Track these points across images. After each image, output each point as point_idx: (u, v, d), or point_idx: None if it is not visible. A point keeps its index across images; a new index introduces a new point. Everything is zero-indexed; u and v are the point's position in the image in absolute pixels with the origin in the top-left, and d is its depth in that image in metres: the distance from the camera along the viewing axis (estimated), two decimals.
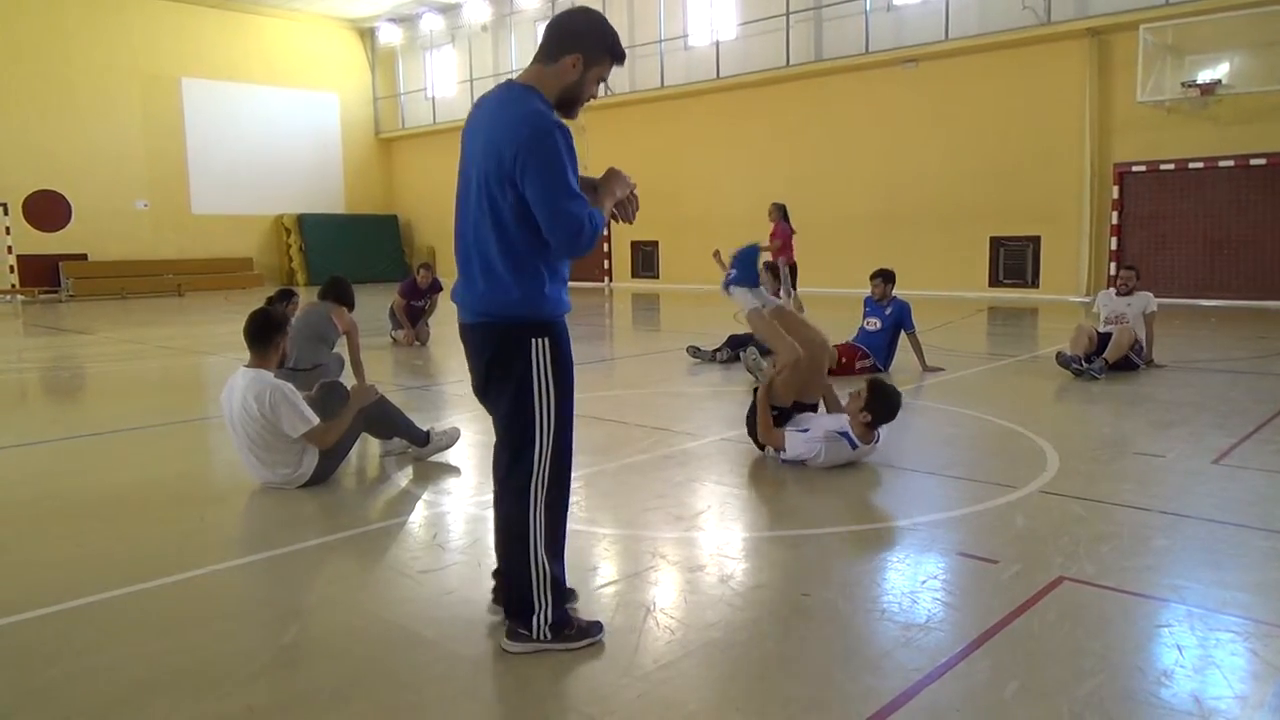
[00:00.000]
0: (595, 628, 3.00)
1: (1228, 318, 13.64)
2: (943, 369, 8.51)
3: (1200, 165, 15.48)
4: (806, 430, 5.17)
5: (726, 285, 5.90)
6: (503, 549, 2.97)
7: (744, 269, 5.87)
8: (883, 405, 5.07)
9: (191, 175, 26.15)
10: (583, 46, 2.80)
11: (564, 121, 2.75)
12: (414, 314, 11.61)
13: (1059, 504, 4.41)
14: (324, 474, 4.99)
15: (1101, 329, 8.38)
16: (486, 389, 2.91)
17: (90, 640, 3.10)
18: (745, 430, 5.54)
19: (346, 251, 26.71)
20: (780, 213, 13.33)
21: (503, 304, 2.79)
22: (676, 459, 5.51)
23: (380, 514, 4.64)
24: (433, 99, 28.78)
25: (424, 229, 29.34)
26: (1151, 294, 8.56)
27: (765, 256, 9.94)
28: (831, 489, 4.93)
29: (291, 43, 28.11)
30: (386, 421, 5.37)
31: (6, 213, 22.65)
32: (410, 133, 29.66)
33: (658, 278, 23.48)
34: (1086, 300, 8.64)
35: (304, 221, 27.51)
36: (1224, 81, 14.79)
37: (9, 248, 22.76)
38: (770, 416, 5.29)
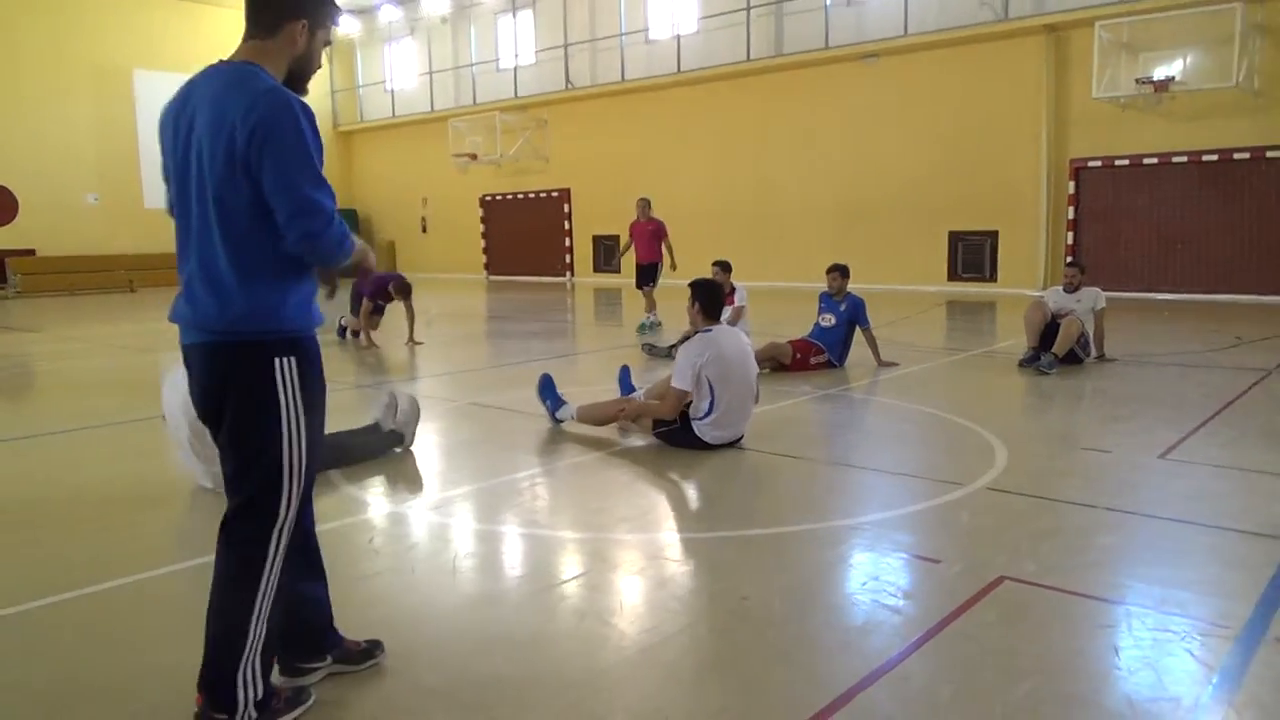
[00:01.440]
0: (303, 694, 2.59)
1: (1181, 311, 13.82)
2: (897, 364, 8.51)
3: (1154, 161, 15.67)
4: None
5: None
6: (219, 606, 2.42)
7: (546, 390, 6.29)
8: (703, 292, 5.55)
9: (144, 169, 25.57)
10: (305, 9, 2.44)
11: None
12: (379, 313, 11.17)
13: (1005, 501, 4.39)
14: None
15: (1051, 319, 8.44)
16: (217, 419, 2.42)
17: (11, 650, 2.97)
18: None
19: None
20: (649, 206, 12.68)
21: (234, 318, 2.33)
22: (625, 457, 5.44)
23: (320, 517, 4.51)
24: (392, 91, 28.43)
25: (383, 223, 29.03)
26: (1100, 290, 8.58)
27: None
28: (779, 488, 4.88)
29: None
30: (344, 452, 5.18)
31: None
32: (369, 126, 29.29)
33: (619, 272, 23.37)
34: (1043, 294, 8.71)
35: None
36: (1177, 78, 14.97)
37: None
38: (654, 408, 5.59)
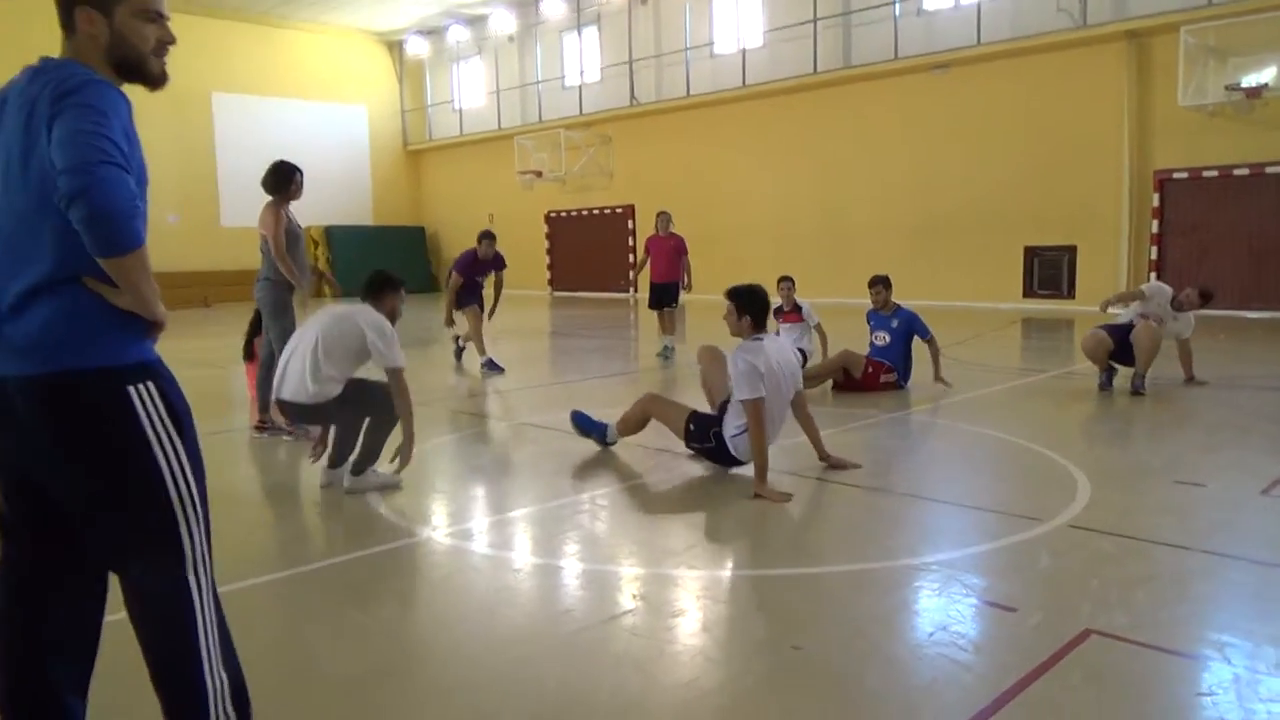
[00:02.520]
0: None
1: (1276, 330, 13.03)
2: (950, 384, 7.96)
3: (1245, 171, 14.86)
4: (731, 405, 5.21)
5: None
6: (162, 670, 2.12)
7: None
8: (750, 300, 5.11)
9: (222, 189, 26.27)
10: None
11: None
12: (471, 291, 10.33)
13: (1089, 540, 4.00)
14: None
15: (1122, 319, 7.78)
16: (61, 476, 2.05)
17: None
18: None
19: (374, 263, 26.48)
20: (670, 221, 11.46)
21: (86, 339, 2.00)
22: (678, 483, 5.17)
23: (354, 545, 4.34)
24: (460, 110, 28.71)
25: (450, 240, 29.24)
26: (1193, 316, 7.97)
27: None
28: (838, 521, 4.56)
29: (320, 56, 28.19)
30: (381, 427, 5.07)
31: None
32: (438, 144, 29.61)
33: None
34: (1123, 312, 8.03)
35: (332, 234, 27.48)
36: (1271, 84, 14.18)
37: None
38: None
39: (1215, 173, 15.14)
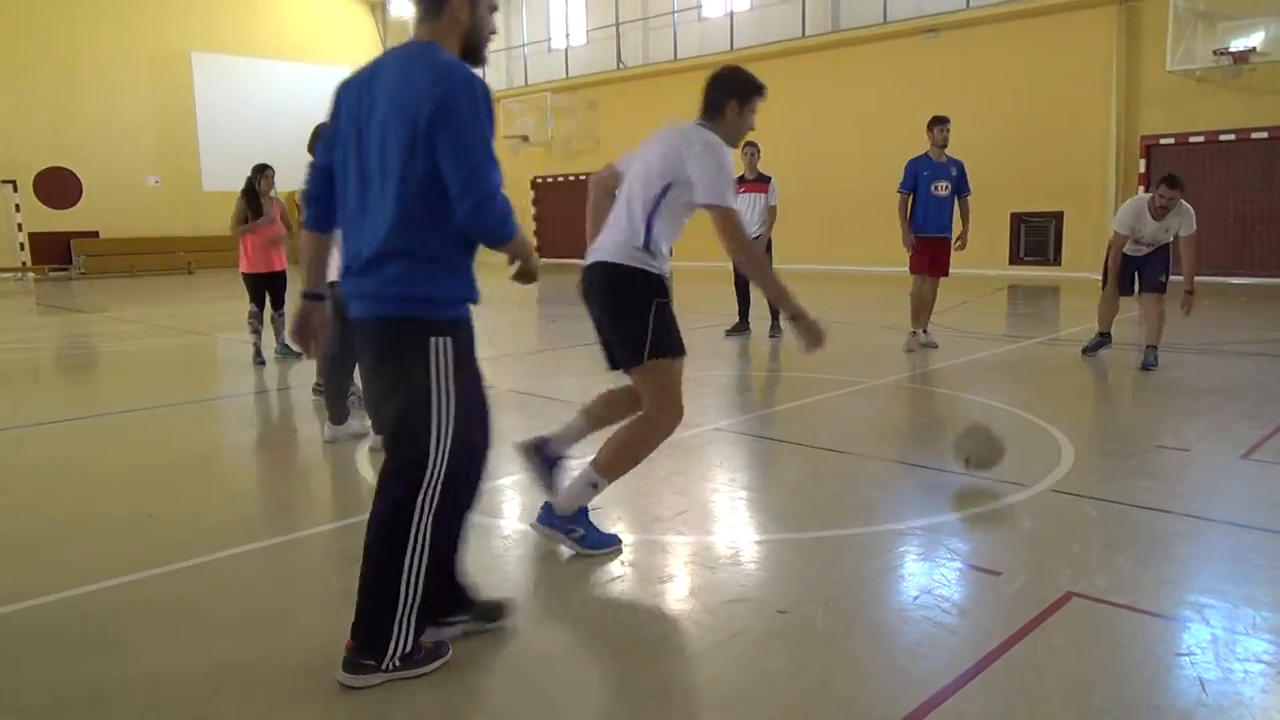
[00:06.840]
0: (442, 649, 2.68)
1: (1259, 296, 13.12)
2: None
3: (1232, 137, 14.88)
4: None
5: None
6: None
7: None
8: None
9: (203, 151, 25.90)
10: None
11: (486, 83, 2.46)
12: None
13: (1071, 505, 4.05)
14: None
15: (1129, 250, 7.47)
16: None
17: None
18: (741, 419, 5.19)
19: None
20: None
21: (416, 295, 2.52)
22: (663, 451, 5.15)
23: (330, 514, 4.35)
24: None
25: None
26: (1192, 210, 7.36)
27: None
28: (823, 486, 4.58)
29: (302, 16, 27.75)
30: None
31: (17, 190, 22.56)
32: None
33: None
34: (1118, 228, 7.72)
35: None
36: (1259, 49, 14.16)
37: (19, 225, 22.67)
38: None
39: (1202, 138, 15.16)
